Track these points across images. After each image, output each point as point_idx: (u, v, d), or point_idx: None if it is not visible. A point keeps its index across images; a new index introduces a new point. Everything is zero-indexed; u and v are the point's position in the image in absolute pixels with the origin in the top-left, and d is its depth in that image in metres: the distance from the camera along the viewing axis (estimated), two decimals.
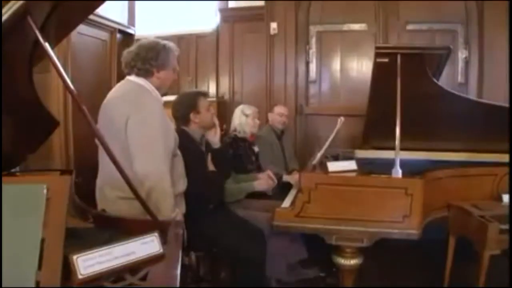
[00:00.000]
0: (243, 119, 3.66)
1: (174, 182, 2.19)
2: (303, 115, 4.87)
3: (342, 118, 3.02)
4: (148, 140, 2.04)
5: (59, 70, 1.43)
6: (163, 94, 2.29)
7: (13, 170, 2.87)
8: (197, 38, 5.31)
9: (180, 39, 5.21)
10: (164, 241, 1.41)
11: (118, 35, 5.03)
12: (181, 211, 2.29)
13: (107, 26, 4.80)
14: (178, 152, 2.32)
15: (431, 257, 3.42)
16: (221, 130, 3.08)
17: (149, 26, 5.37)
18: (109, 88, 2.34)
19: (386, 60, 2.70)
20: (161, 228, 1.48)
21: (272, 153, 3.98)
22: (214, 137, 2.87)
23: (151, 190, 2.00)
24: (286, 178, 3.69)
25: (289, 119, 4.34)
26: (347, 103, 4.68)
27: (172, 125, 2.23)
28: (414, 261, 3.64)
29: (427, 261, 3.55)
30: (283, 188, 3.56)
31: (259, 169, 3.69)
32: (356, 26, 4.73)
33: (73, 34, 4.14)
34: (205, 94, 2.91)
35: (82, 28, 4.34)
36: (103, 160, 2.15)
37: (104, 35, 4.81)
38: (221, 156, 2.90)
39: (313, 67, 4.84)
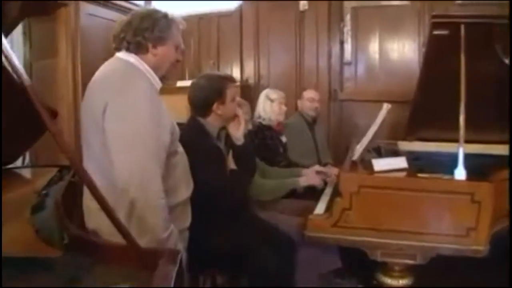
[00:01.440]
0: (267, 105, 3.22)
1: (172, 189, 1.76)
2: (337, 101, 4.48)
3: (389, 105, 2.51)
4: (131, 134, 1.58)
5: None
6: (162, 78, 1.82)
7: (10, 166, 2.60)
8: (219, 17, 4.88)
9: (200, 19, 4.89)
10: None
11: None
12: (182, 225, 1.86)
13: (120, 6, 4.38)
14: (179, 149, 1.86)
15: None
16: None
17: (166, 5, 4.85)
18: None
19: (445, 32, 2.18)
20: (147, 260, 1.09)
21: (302, 144, 3.58)
22: (237, 132, 2.36)
23: (134, 202, 1.55)
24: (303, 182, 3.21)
25: (322, 106, 3.94)
26: (387, 88, 4.23)
27: (168, 116, 1.76)
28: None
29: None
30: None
31: (288, 162, 3.26)
32: (396, 1, 4.26)
33: (83, 16, 3.85)
34: (233, 80, 2.40)
35: (92, 8, 3.98)
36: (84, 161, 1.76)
37: (117, 16, 4.36)
38: (245, 153, 2.41)
39: (348, 47, 4.41)
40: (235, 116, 2.35)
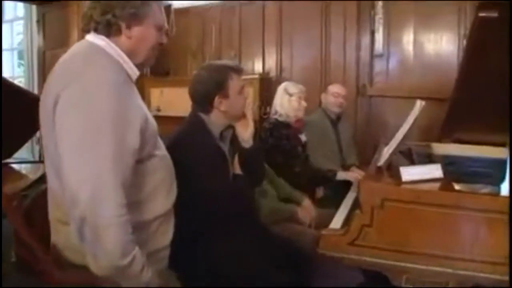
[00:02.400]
0: (285, 100, 2.90)
1: (145, 201, 1.47)
2: (366, 96, 4.12)
3: (422, 102, 2.15)
4: (82, 131, 1.27)
5: None
6: (140, 65, 1.51)
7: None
8: (241, 6, 4.59)
9: (221, 8, 4.62)
10: None
11: None
12: (159, 243, 1.55)
13: None
14: (158, 152, 1.53)
15: None
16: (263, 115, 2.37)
17: None
18: None
19: (494, 14, 1.80)
20: None
21: (324, 144, 3.25)
22: (245, 132, 2.03)
23: (83, 219, 1.26)
24: (341, 175, 3.00)
25: (348, 102, 3.62)
26: (421, 83, 3.86)
27: (140, 112, 1.43)
28: None
29: None
30: (336, 189, 2.92)
31: (307, 164, 2.97)
32: None
33: None
34: (238, 70, 2.04)
35: None
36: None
37: None
38: (253, 157, 2.08)
39: (379, 38, 4.04)
40: (244, 115, 2.04)
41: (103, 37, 1.41)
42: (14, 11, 6.06)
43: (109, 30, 1.41)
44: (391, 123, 3.78)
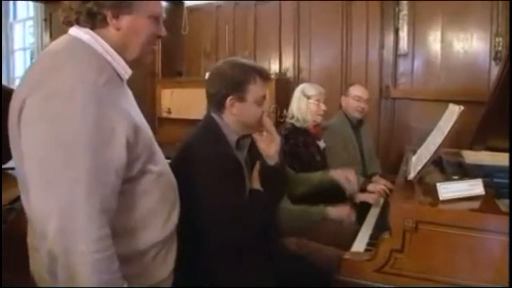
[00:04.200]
0: (303, 103, 2.66)
1: (137, 228, 1.24)
2: (389, 99, 3.86)
3: (461, 107, 1.89)
4: (51, 145, 1.04)
5: None
6: (135, 62, 1.27)
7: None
8: (256, 4, 4.37)
9: (235, 6, 4.42)
10: None
11: (164, 3, 4.12)
12: (157, 276, 1.31)
13: None
14: (155, 168, 1.28)
15: None
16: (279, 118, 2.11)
17: None
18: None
19: None
20: None
21: (345, 151, 2.99)
22: (270, 149, 1.78)
23: (51, 256, 1.05)
24: (361, 197, 2.68)
25: (371, 105, 3.33)
26: (449, 85, 3.60)
27: (129, 118, 1.17)
28: None
29: None
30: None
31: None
32: None
33: None
34: (265, 75, 1.78)
35: None
36: None
37: None
38: (277, 174, 1.83)
39: (404, 36, 3.77)
40: (261, 127, 1.78)
41: (87, 30, 1.18)
42: (27, 11, 5.97)
43: (93, 21, 1.18)
44: (416, 128, 3.56)
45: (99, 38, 1.18)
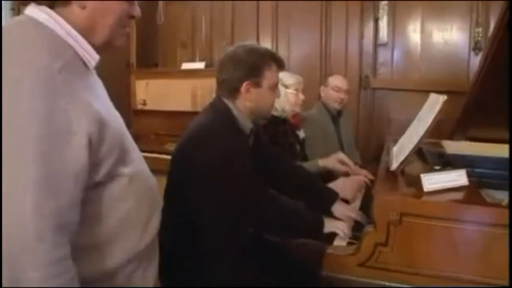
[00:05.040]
0: (281, 92, 2.60)
1: (104, 243, 1.06)
2: (369, 89, 3.82)
3: (444, 96, 1.86)
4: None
5: None
6: (105, 46, 1.10)
7: None
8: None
9: None
10: None
11: None
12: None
13: None
14: (126, 170, 1.09)
15: None
16: None
17: None
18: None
19: None
20: None
21: (324, 141, 2.97)
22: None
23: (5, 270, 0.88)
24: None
25: (350, 95, 3.30)
26: (429, 75, 3.60)
27: (93, 111, 0.98)
28: None
29: None
30: None
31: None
32: None
33: None
34: (280, 62, 1.77)
35: None
36: None
37: None
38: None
39: (384, 26, 3.72)
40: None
41: (46, 8, 1.01)
42: None
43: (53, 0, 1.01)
44: (396, 118, 3.56)
45: (59, 18, 1.01)
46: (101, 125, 0.99)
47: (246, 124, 1.73)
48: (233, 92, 1.69)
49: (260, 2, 4.11)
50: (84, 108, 0.96)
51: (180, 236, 1.61)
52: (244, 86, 1.66)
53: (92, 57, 1.07)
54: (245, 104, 1.69)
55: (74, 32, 1.02)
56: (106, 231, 1.05)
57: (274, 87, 1.74)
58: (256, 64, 1.67)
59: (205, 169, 1.55)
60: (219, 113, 1.70)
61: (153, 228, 1.18)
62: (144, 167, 1.20)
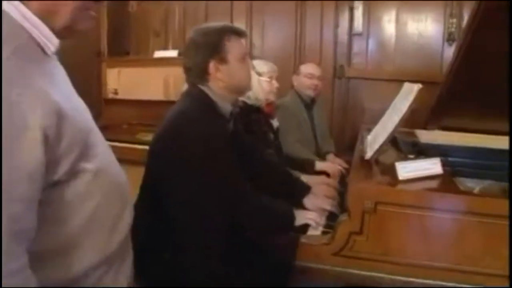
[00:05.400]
0: (254, 80, 2.55)
1: (67, 248, 0.96)
2: (343, 78, 3.80)
3: (419, 85, 1.85)
4: None
5: None
6: (67, 31, 0.98)
7: None
8: None
9: None
10: None
11: None
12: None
13: None
14: (90, 166, 0.98)
15: None
16: None
17: None
18: None
19: None
20: None
21: (298, 130, 2.95)
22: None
23: None
24: (320, 166, 2.71)
25: (325, 85, 3.31)
26: (403, 66, 3.61)
27: (50, 101, 0.86)
28: None
29: None
30: None
31: (280, 153, 2.64)
32: None
33: None
34: (238, 32, 1.70)
35: None
36: None
37: None
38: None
39: (358, 16, 3.71)
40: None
41: None
42: None
43: None
44: (370, 107, 3.56)
45: (19, 3, 0.90)
46: (60, 117, 0.87)
47: (225, 107, 1.68)
48: (203, 75, 1.63)
49: None
50: (40, 99, 0.85)
51: (158, 229, 1.56)
52: (211, 66, 1.61)
53: (51, 42, 0.95)
54: (218, 84, 1.64)
55: (31, 15, 0.91)
56: (70, 233, 0.96)
57: (242, 58, 1.67)
58: (214, 41, 1.61)
59: (185, 158, 1.51)
60: (196, 98, 1.65)
61: (124, 226, 1.10)
62: (111, 161, 1.10)
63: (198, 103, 1.64)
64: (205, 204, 1.54)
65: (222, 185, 1.55)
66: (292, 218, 1.67)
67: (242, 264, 1.58)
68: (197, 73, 1.64)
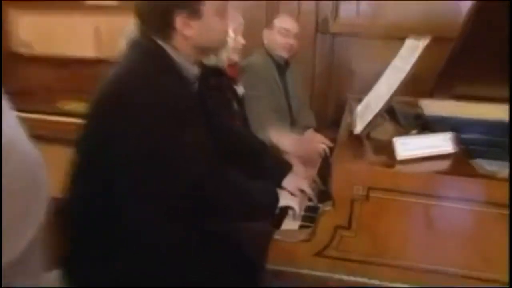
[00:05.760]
0: None
1: None
2: (328, 35, 3.82)
3: (427, 39, 1.87)
4: None
5: None
6: None
7: None
8: None
9: None
10: None
11: None
12: None
13: None
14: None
15: None
16: None
17: None
18: None
19: None
20: None
21: (268, 99, 2.94)
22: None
23: None
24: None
25: (304, 42, 3.36)
26: (402, 18, 3.60)
27: None
28: None
29: None
30: None
31: (246, 126, 2.69)
32: None
33: None
34: None
35: None
36: None
37: None
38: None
39: None
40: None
41: None
42: None
43: None
44: (361, 71, 3.61)
45: None
46: None
47: (189, 68, 1.62)
48: (165, 30, 1.55)
49: None
50: None
51: (92, 220, 1.53)
52: (178, 21, 1.52)
53: None
54: (184, 43, 1.57)
55: None
56: None
57: (222, 10, 1.60)
58: None
59: (136, 133, 1.45)
60: (151, 55, 1.57)
61: (34, 223, 1.02)
62: (18, 138, 0.99)
63: (155, 60, 1.56)
64: (165, 189, 1.50)
65: (190, 162, 1.52)
66: (275, 196, 1.71)
67: (200, 262, 1.60)
68: (157, 26, 1.56)
